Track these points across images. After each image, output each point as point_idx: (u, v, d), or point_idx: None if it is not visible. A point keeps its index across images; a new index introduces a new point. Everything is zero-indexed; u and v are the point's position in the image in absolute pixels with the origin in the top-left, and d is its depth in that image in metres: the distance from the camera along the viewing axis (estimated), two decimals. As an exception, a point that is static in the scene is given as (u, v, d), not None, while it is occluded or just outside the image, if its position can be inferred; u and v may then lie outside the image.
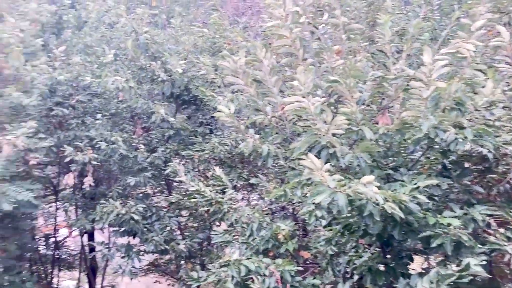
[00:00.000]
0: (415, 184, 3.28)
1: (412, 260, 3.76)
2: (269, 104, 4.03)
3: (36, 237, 8.72)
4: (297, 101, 3.49)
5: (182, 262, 7.26)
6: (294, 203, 4.51)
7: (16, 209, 6.14)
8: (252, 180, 5.24)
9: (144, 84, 7.40)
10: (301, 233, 5.02)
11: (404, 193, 3.14)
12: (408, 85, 3.59)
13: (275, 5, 3.89)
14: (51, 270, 9.06)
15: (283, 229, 4.44)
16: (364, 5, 6.07)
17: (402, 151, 3.74)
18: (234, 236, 4.92)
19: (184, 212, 7.19)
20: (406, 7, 5.99)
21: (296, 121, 3.90)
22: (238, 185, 6.41)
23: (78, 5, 9.05)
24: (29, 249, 8.09)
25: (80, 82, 7.06)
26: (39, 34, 7.64)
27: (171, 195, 7.00)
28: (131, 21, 7.35)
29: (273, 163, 4.45)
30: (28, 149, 6.45)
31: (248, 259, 4.04)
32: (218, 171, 5.23)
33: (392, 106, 3.81)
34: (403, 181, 3.43)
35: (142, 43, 7.24)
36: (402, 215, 3.05)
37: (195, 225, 7.28)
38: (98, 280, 9.50)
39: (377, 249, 3.87)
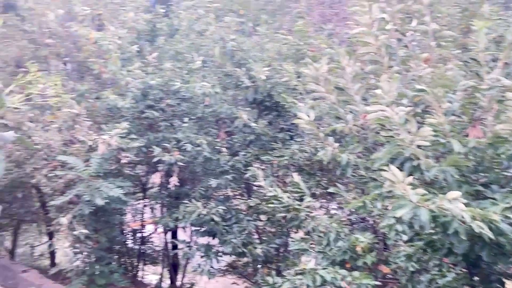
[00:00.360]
0: (509, 203, 3.05)
1: (503, 285, 3.48)
2: (351, 112, 3.97)
3: (125, 231, 9.26)
4: (380, 110, 3.39)
5: (259, 266, 7.32)
6: (374, 215, 4.38)
7: (107, 204, 6.58)
8: (331, 189, 5.15)
9: (229, 90, 7.60)
10: (381, 246, 4.86)
11: (495, 212, 2.92)
12: (503, 96, 3.34)
13: (361, 12, 3.82)
14: (137, 263, 9.57)
15: (362, 241, 4.32)
16: (458, 11, 5.75)
17: (494, 167, 3.48)
18: (310, 244, 4.87)
19: (262, 217, 7.25)
20: (505, 12, 5.56)
21: (379, 130, 3.79)
22: (317, 193, 6.33)
23: (171, 13, 9.50)
24: (118, 242, 8.61)
25: (170, 87, 7.39)
26: (135, 41, 8.14)
27: (250, 198, 7.10)
28: (219, 29, 7.62)
29: (353, 173, 4.36)
30: (121, 149, 6.90)
31: (324, 269, 3.99)
32: (297, 177, 5.22)
33: (484, 118, 3.57)
34: (494, 199, 3.19)
35: (228, 50, 7.47)
36: (492, 236, 2.84)
37: (273, 230, 7.30)
38: (179, 277, 9.85)
39: (463, 270, 3.63)
